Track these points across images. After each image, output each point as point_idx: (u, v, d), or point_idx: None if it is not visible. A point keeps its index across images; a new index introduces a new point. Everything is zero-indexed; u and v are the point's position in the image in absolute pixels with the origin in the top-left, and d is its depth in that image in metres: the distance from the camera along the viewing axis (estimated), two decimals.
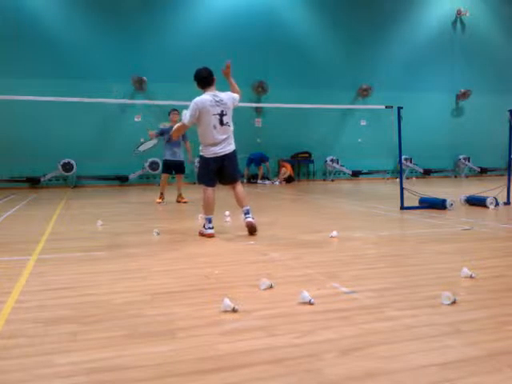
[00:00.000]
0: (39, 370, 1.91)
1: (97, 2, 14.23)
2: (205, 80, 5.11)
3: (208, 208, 5.11)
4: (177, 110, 8.91)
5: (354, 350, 2.05)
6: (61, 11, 14.00)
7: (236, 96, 5.28)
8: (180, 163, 8.96)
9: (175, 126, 5.46)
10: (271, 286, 3.00)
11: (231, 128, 5.16)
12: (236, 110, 5.38)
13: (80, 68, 13.97)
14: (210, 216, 5.07)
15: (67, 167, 13.66)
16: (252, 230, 5.04)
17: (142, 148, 8.99)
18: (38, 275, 3.45)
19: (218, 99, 5.05)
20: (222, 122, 5.04)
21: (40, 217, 6.97)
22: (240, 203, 5.18)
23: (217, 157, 5.06)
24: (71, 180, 13.98)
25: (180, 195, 9.05)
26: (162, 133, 8.84)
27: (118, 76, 14.14)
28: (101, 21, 14.27)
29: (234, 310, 2.54)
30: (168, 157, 8.86)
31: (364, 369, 1.88)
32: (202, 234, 5.07)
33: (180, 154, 8.92)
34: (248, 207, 5.11)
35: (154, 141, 8.90)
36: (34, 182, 13.59)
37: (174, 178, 9.32)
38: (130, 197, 10.94)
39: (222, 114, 5.03)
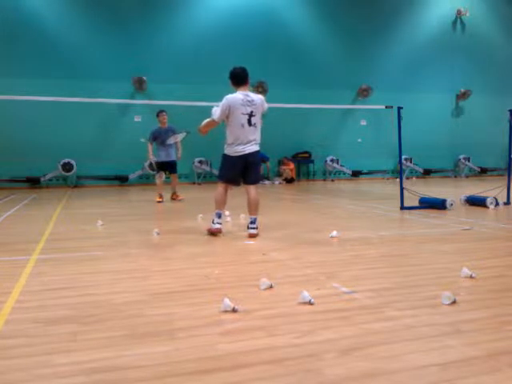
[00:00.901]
0: (39, 370, 1.91)
1: (97, 2, 14.23)
2: (239, 78, 5.10)
3: (217, 202, 5.13)
4: (165, 111, 9.13)
5: (354, 350, 2.05)
6: (61, 11, 14.00)
7: (266, 104, 5.28)
8: (173, 163, 9.24)
9: (204, 122, 5.27)
10: (271, 286, 3.00)
11: (259, 130, 5.15)
12: None
13: (80, 68, 13.98)
14: (219, 211, 5.10)
15: (67, 167, 13.66)
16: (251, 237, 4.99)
17: (172, 140, 9.04)
18: (38, 275, 3.45)
19: (249, 99, 5.05)
20: (250, 123, 5.02)
21: (40, 217, 6.97)
22: (250, 210, 5.13)
23: (241, 155, 5.04)
24: (71, 180, 13.99)
25: (174, 193, 9.34)
26: (154, 138, 9.10)
27: (118, 76, 14.15)
28: (101, 21, 14.27)
29: (234, 310, 2.54)
30: (162, 158, 9.13)
31: (364, 369, 1.88)
32: (209, 230, 5.10)
33: (172, 155, 9.19)
34: (255, 217, 5.07)
35: (182, 134, 9.00)
36: (34, 182, 13.59)
37: (168, 177, 9.56)
38: (130, 197, 10.93)
39: (251, 115, 5.02)
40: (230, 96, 5.04)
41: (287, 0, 16.13)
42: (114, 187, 13.87)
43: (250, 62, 16.74)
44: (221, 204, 5.15)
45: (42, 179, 13.67)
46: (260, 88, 15.57)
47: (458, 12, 17.97)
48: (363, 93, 16.73)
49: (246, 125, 5.00)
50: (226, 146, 5.14)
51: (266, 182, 15.05)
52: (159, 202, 8.93)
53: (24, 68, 13.51)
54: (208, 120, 5.21)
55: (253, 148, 5.07)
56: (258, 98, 5.13)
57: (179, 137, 9.06)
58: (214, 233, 5.06)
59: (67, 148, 13.74)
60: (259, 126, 5.15)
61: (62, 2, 14.04)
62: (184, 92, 13.34)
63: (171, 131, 9.06)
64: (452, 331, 2.25)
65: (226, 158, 5.16)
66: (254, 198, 5.12)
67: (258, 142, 5.16)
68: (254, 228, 5.02)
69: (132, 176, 14.46)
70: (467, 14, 17.93)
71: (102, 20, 14.30)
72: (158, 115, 9.16)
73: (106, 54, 14.30)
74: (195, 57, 14.85)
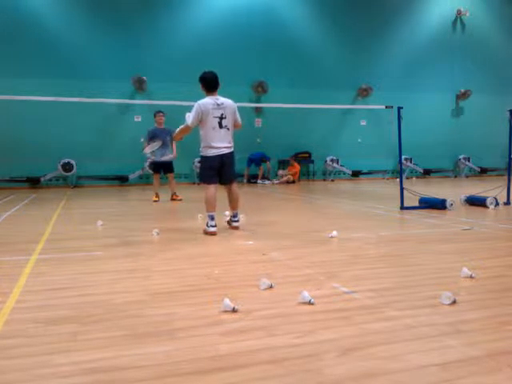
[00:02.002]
0: (39, 370, 1.91)
1: (97, 2, 14.22)
2: (211, 84, 5.33)
3: (209, 204, 5.25)
4: (162, 112, 9.22)
5: (354, 350, 2.05)
6: (61, 11, 13.99)
7: (238, 115, 5.48)
8: (169, 163, 9.36)
9: (179, 129, 5.56)
10: (271, 286, 3.00)
11: (230, 131, 5.37)
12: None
13: (80, 68, 13.97)
14: (211, 213, 5.21)
15: (67, 167, 13.66)
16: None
17: (147, 150, 9.09)
18: (38, 275, 3.45)
19: (219, 102, 5.27)
20: (221, 125, 5.25)
21: (40, 217, 6.97)
22: (231, 205, 5.50)
23: (215, 155, 5.26)
24: (71, 180, 13.98)
25: (174, 193, 9.40)
26: (150, 137, 9.18)
27: (118, 76, 14.14)
28: (101, 21, 14.26)
29: (234, 310, 2.54)
30: (158, 158, 9.26)
31: (364, 369, 1.88)
32: (205, 232, 5.23)
33: (168, 155, 9.27)
34: (237, 211, 5.51)
35: (158, 143, 9.06)
36: (33, 182, 13.58)
37: (166, 178, 9.66)
38: (130, 197, 10.93)
39: (221, 117, 5.25)
40: (201, 102, 5.27)
41: (287, 0, 16.13)
42: (114, 187, 13.87)
43: (249, 62, 16.78)
44: (212, 205, 5.26)
45: (42, 179, 13.67)
46: (260, 88, 15.58)
47: (458, 12, 17.96)
48: (363, 93, 16.72)
49: (217, 127, 5.23)
50: (202, 148, 5.36)
51: (266, 181, 15.04)
52: (155, 201, 9.08)
53: (24, 68, 13.50)
54: (182, 127, 5.46)
55: (226, 149, 5.31)
56: (227, 101, 5.35)
57: (154, 146, 9.05)
58: (209, 234, 5.19)
59: (67, 148, 13.74)
60: (231, 129, 5.37)
61: (62, 2, 14.03)
62: (184, 92, 13.32)
63: (168, 132, 9.13)
64: (452, 331, 2.25)
65: (203, 159, 5.39)
66: (234, 192, 5.44)
67: (231, 143, 5.38)
68: (236, 221, 5.49)
69: (132, 176, 14.45)
70: (467, 14, 17.93)
71: (102, 20, 14.29)
72: (155, 115, 9.32)
73: (106, 53, 14.30)
74: (195, 57, 14.83)
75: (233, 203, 5.48)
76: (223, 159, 5.30)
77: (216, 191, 5.33)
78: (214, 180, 5.36)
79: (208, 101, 5.26)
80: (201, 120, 5.25)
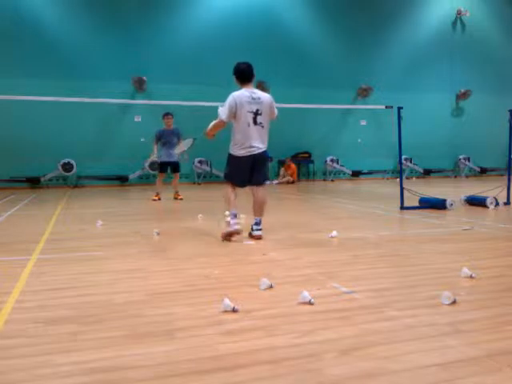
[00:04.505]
0: (39, 369, 1.91)
1: (97, 2, 14.22)
2: (245, 75, 4.88)
3: (229, 202, 4.88)
4: (171, 114, 9.22)
5: (354, 350, 2.05)
6: (61, 11, 13.99)
7: (275, 108, 5.02)
8: (175, 163, 9.43)
9: (211, 124, 4.98)
10: (271, 286, 3.00)
11: (265, 129, 4.91)
12: None
13: (80, 68, 13.96)
14: (233, 211, 4.81)
15: (67, 167, 13.66)
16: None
17: (177, 151, 8.79)
18: (38, 275, 3.45)
19: (255, 96, 4.82)
20: (255, 121, 4.80)
21: (40, 217, 6.97)
22: (255, 211, 4.92)
23: (247, 156, 4.81)
24: (71, 180, 13.98)
25: (177, 192, 9.51)
26: (159, 137, 9.30)
27: (118, 76, 14.14)
28: (101, 21, 14.26)
29: (234, 310, 2.54)
30: (164, 158, 9.33)
31: (364, 369, 1.88)
32: (226, 234, 4.77)
33: (174, 155, 9.27)
34: (260, 218, 4.89)
35: (189, 141, 8.55)
36: (34, 182, 13.58)
37: (171, 177, 9.78)
38: (130, 197, 10.94)
39: (256, 113, 4.79)
40: (235, 93, 4.81)
41: (287, 0, 16.13)
42: (114, 187, 13.87)
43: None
44: (232, 203, 4.87)
45: (42, 179, 13.66)
46: (260, 88, 15.55)
47: (458, 12, 17.97)
48: (363, 93, 16.72)
49: (252, 124, 4.77)
50: (231, 146, 4.92)
51: (267, 181, 15.01)
52: (154, 200, 9.16)
53: (24, 68, 13.50)
54: (215, 122, 4.92)
55: (259, 149, 4.84)
56: (264, 95, 4.88)
57: (185, 145, 8.75)
58: (232, 234, 4.75)
59: (67, 148, 13.74)
60: (266, 126, 4.92)
61: (62, 2, 14.03)
62: (184, 92, 13.34)
63: (176, 133, 9.27)
64: (452, 331, 2.25)
65: (231, 158, 4.93)
66: (260, 198, 4.92)
67: (265, 143, 4.93)
68: (259, 230, 4.84)
69: (132, 176, 14.45)
70: (467, 14, 17.93)
71: (102, 20, 14.29)
72: (163, 117, 9.38)
73: (106, 53, 14.29)
74: (195, 57, 14.84)
75: (256, 208, 4.92)
76: (254, 160, 4.83)
77: (234, 188, 4.93)
78: (241, 183, 4.95)
79: (243, 93, 4.79)
80: (234, 114, 4.77)
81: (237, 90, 4.91)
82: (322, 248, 4.38)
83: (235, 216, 4.78)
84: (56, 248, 4.51)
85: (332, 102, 14.59)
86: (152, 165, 13.12)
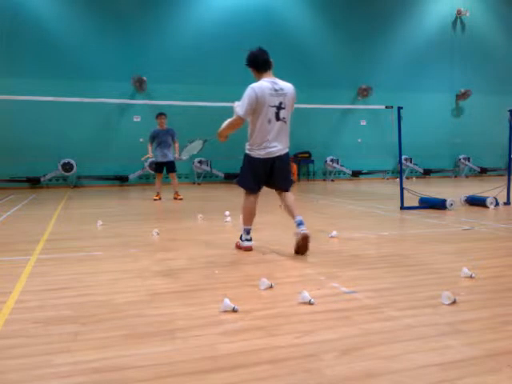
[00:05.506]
0: (39, 370, 1.91)
1: (97, 2, 14.23)
2: (261, 62, 4.19)
3: (248, 218, 4.30)
4: (164, 114, 9.26)
5: (354, 350, 2.05)
6: (61, 11, 14.00)
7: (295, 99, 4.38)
8: (171, 162, 9.47)
9: (226, 123, 4.26)
10: (271, 286, 3.00)
11: (287, 126, 4.26)
12: None
13: (80, 68, 13.96)
14: (248, 227, 4.30)
15: (67, 167, 13.65)
16: (305, 244, 4.01)
17: (184, 156, 8.40)
18: (38, 275, 3.45)
19: (277, 87, 4.14)
20: (278, 117, 4.14)
21: (40, 217, 6.97)
22: (291, 213, 4.22)
23: (267, 158, 4.19)
24: (71, 180, 13.98)
25: (176, 193, 9.56)
26: (154, 138, 9.37)
27: (117, 76, 14.15)
28: (101, 21, 14.27)
29: (234, 310, 2.54)
30: (159, 158, 9.41)
31: (364, 369, 1.88)
32: (238, 247, 4.36)
33: (170, 155, 9.40)
34: (301, 217, 4.11)
35: (199, 142, 7.94)
36: (34, 182, 13.58)
37: (167, 177, 9.79)
38: (130, 197, 10.94)
39: (279, 107, 4.13)
40: (255, 85, 4.11)
41: (287, 1, 16.12)
42: (114, 187, 13.87)
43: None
44: (250, 219, 4.30)
45: (42, 179, 13.66)
46: None
47: (458, 12, 17.96)
48: (363, 93, 16.72)
49: (274, 120, 4.13)
50: (247, 146, 4.28)
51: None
52: (155, 199, 9.28)
53: (24, 68, 13.50)
54: (230, 120, 4.21)
55: (281, 150, 4.22)
56: (287, 85, 4.23)
57: (194, 149, 7.91)
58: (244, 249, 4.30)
59: (67, 148, 13.75)
60: (288, 122, 4.27)
61: (63, 1, 14.03)
62: (184, 92, 13.35)
63: (170, 133, 9.35)
64: (452, 331, 2.25)
65: (248, 159, 4.29)
66: (289, 199, 4.31)
67: (288, 142, 4.31)
68: (305, 228, 4.05)
69: (132, 176, 14.46)
70: (467, 14, 17.93)
71: (102, 20, 14.29)
72: (156, 117, 9.45)
73: (106, 54, 14.30)
74: (195, 57, 14.84)
75: (291, 211, 4.23)
76: (275, 163, 4.20)
77: (256, 201, 4.34)
78: (255, 188, 4.31)
79: (265, 84, 4.09)
80: (255, 109, 4.10)
81: (251, 83, 4.21)
82: (322, 248, 4.37)
83: (248, 232, 4.30)
84: (56, 248, 4.51)
85: (332, 102, 14.60)
86: (152, 165, 13.12)
